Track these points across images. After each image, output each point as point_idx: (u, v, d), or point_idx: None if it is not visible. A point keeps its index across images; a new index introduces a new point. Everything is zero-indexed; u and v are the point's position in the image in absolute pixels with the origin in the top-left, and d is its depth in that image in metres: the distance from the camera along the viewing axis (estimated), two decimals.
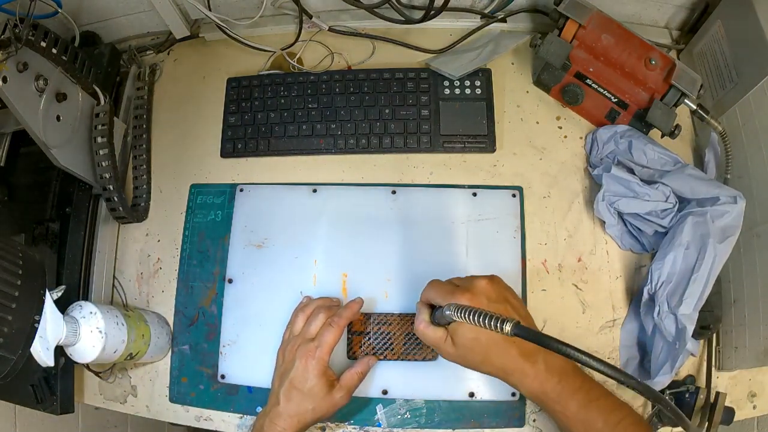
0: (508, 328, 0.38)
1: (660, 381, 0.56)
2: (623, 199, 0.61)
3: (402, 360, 0.61)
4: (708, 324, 0.59)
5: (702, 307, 0.56)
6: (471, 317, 0.40)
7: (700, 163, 0.68)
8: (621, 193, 0.62)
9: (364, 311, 0.61)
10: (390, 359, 0.61)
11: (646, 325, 0.60)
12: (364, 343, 0.61)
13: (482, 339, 0.46)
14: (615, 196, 0.62)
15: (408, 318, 0.62)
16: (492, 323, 0.39)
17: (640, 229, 0.63)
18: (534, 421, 0.60)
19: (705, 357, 0.62)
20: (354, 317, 0.58)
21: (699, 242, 0.57)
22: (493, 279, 0.49)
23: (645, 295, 0.59)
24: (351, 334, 0.61)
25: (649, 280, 0.58)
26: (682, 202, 0.61)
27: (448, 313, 0.44)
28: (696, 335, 0.57)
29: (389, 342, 0.61)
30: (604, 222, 0.64)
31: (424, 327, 0.49)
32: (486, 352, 0.47)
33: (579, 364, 0.47)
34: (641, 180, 0.61)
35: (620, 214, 0.64)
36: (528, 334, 0.37)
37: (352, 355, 0.61)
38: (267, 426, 0.53)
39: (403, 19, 0.70)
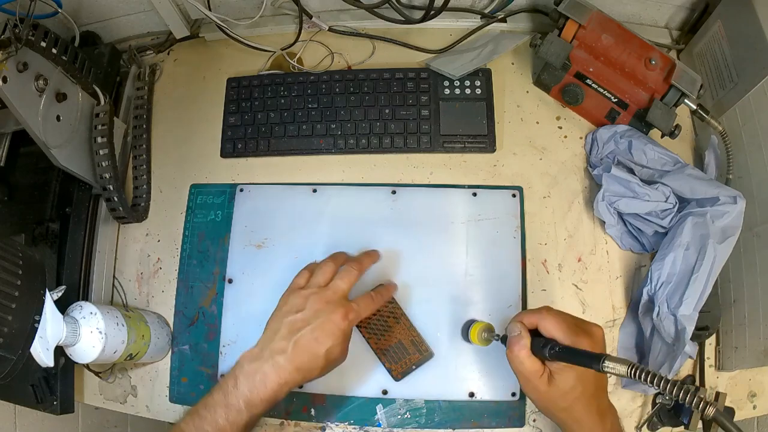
0: (711, 411, 0.35)
1: None
2: (623, 199, 0.61)
3: (377, 355, 0.61)
4: (706, 325, 0.59)
5: (703, 312, 0.56)
6: (655, 382, 0.37)
7: (700, 163, 0.68)
8: (621, 193, 0.62)
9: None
10: (374, 347, 0.61)
11: (644, 326, 0.60)
12: (370, 323, 0.61)
13: (578, 389, 0.45)
14: (615, 196, 0.62)
15: (411, 327, 0.62)
16: (691, 400, 0.36)
17: (640, 230, 0.63)
18: (534, 421, 0.60)
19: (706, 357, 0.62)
20: (372, 263, 0.58)
21: (699, 243, 0.57)
22: (603, 330, 0.48)
23: (644, 296, 0.59)
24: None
25: (648, 281, 0.58)
26: (682, 202, 0.61)
27: (608, 364, 0.39)
28: (694, 337, 0.57)
29: (385, 333, 0.61)
30: (604, 222, 0.64)
31: (525, 355, 0.46)
32: (574, 403, 0.46)
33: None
34: (641, 180, 0.61)
35: (620, 214, 0.64)
36: (661, 382, 0.36)
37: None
38: (269, 371, 0.48)
39: (403, 19, 0.70)
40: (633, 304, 0.63)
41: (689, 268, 0.57)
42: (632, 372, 0.38)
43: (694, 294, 0.56)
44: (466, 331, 0.60)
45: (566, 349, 0.44)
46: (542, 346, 0.45)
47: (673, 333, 0.56)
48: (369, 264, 0.57)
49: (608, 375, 0.40)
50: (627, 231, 0.65)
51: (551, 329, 0.46)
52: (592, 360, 0.41)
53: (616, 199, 0.62)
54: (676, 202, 0.60)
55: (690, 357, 0.57)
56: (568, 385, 0.45)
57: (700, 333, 0.59)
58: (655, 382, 0.37)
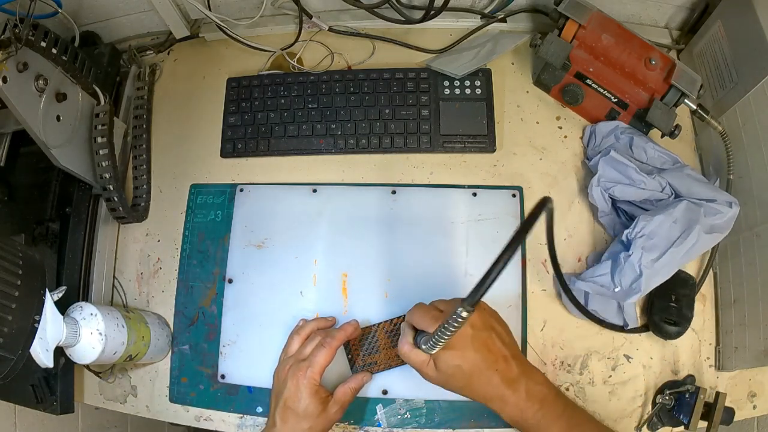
0: (464, 314, 0.40)
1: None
2: (618, 185, 0.61)
3: (399, 366, 0.60)
4: (674, 320, 0.59)
5: (672, 304, 0.58)
6: (440, 337, 0.43)
7: (700, 163, 0.69)
8: (616, 179, 0.62)
9: (365, 325, 0.61)
10: (390, 368, 0.61)
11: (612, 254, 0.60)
12: (363, 354, 0.61)
13: (465, 367, 0.46)
14: (610, 182, 0.62)
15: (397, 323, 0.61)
16: (456, 324, 0.41)
17: (633, 219, 0.63)
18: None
19: (701, 356, 0.62)
20: (348, 338, 0.58)
21: (686, 223, 0.57)
22: (478, 306, 0.48)
23: (623, 237, 0.59)
24: (350, 344, 0.61)
25: (633, 226, 0.58)
26: (678, 197, 0.60)
27: (425, 347, 0.46)
28: (661, 331, 0.59)
29: (385, 353, 0.61)
30: (597, 210, 0.64)
31: (408, 350, 0.49)
32: (468, 380, 0.47)
33: (561, 390, 0.49)
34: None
35: (614, 204, 0.63)
36: (476, 293, 0.38)
37: (352, 365, 0.61)
38: None
39: (403, 19, 0.70)
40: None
41: (670, 240, 0.57)
42: (426, 344, 0.45)
43: (667, 263, 0.56)
44: None
45: (420, 333, 0.49)
46: (416, 338, 0.49)
47: (626, 282, 0.56)
48: (344, 338, 0.58)
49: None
50: (620, 222, 0.64)
51: (418, 322, 0.49)
52: (421, 344, 0.47)
53: (612, 185, 0.61)
54: (672, 194, 0.60)
55: (626, 324, 0.60)
56: (451, 366, 0.46)
57: (669, 328, 0.59)
58: (441, 336, 0.43)
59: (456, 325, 0.41)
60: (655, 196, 0.60)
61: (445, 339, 0.43)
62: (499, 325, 0.50)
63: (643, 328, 0.62)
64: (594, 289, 0.58)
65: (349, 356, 0.61)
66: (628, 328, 0.61)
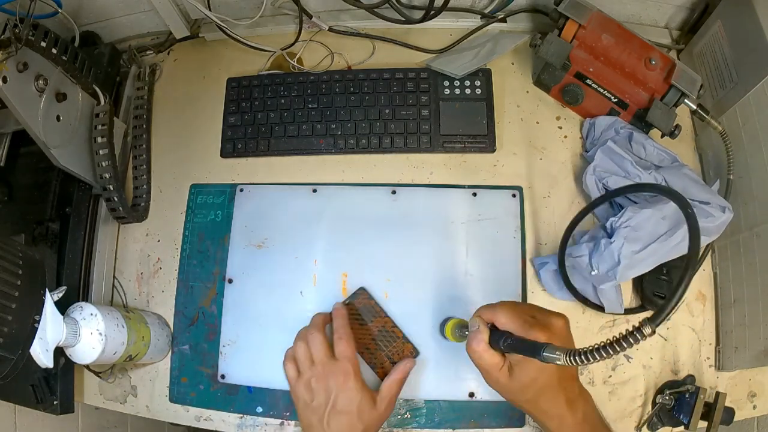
0: (647, 331, 0.34)
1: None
2: (613, 176, 0.61)
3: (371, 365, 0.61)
4: (663, 294, 0.59)
5: (663, 277, 0.59)
6: (595, 355, 0.36)
7: (699, 163, 0.69)
8: (612, 170, 0.62)
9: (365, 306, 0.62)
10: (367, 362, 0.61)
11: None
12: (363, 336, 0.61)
13: (540, 380, 0.45)
14: (605, 172, 0.62)
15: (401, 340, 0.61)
16: (632, 343, 0.35)
17: None
18: (534, 420, 0.60)
19: (701, 356, 0.62)
20: (347, 319, 0.58)
21: (675, 221, 0.57)
22: (567, 320, 0.46)
23: (607, 224, 0.59)
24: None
25: (619, 215, 0.58)
26: None
27: (546, 354, 0.38)
28: (654, 305, 0.60)
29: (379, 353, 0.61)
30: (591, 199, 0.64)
31: (483, 349, 0.45)
32: (538, 394, 0.45)
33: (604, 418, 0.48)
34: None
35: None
36: (662, 311, 0.35)
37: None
38: None
39: (403, 19, 0.70)
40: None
41: (655, 235, 0.56)
42: (569, 358, 0.37)
43: (647, 257, 0.56)
44: (442, 327, 0.60)
45: (515, 340, 0.44)
46: (497, 339, 0.45)
47: (603, 268, 0.56)
48: (346, 323, 0.58)
49: (574, 365, 0.37)
50: (614, 214, 0.64)
51: (505, 323, 0.45)
52: (535, 350, 0.39)
53: (606, 176, 0.61)
54: None
55: (613, 311, 0.60)
56: (529, 377, 0.44)
57: (661, 302, 0.59)
58: (595, 356, 0.36)
59: (632, 343, 0.35)
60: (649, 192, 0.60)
61: (598, 359, 0.36)
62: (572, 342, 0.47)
63: (640, 308, 0.62)
64: (576, 263, 0.58)
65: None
66: (607, 311, 0.61)
